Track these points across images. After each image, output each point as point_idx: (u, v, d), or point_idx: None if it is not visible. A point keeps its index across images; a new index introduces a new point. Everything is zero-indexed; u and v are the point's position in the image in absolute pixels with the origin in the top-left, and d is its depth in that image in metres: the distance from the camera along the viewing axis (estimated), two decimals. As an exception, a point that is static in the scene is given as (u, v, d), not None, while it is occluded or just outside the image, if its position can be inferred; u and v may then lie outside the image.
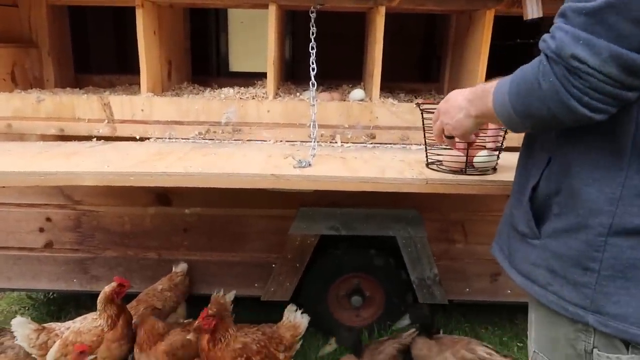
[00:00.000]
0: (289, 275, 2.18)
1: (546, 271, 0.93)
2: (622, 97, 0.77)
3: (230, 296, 2.04)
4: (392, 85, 2.49)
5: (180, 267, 2.20)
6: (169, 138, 1.89)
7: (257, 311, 2.40)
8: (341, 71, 2.60)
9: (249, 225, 2.18)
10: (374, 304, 2.29)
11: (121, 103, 1.87)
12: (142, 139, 1.89)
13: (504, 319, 2.46)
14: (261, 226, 2.19)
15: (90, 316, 1.82)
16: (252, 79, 2.27)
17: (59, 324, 1.86)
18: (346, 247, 2.21)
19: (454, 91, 1.08)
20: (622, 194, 0.83)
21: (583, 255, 0.87)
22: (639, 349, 0.85)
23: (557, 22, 0.79)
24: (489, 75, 1.76)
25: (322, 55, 2.57)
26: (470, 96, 1.01)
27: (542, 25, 2.27)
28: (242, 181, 1.40)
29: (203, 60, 3.64)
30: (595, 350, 0.88)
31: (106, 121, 1.89)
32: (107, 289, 1.78)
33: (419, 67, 3.02)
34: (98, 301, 1.78)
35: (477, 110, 1.00)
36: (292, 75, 3.90)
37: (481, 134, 1.41)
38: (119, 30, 2.96)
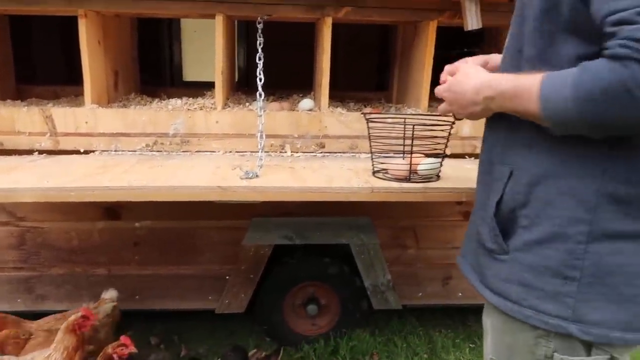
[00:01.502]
0: (243, 287, 2.16)
1: (519, 286, 0.93)
2: None
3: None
4: (343, 94, 2.52)
5: (109, 294, 2.01)
6: (115, 150, 1.85)
7: (212, 324, 2.37)
8: (295, 79, 2.62)
9: (202, 237, 2.15)
10: (330, 312, 2.30)
11: (64, 115, 1.82)
12: (86, 152, 1.85)
13: (457, 321, 2.52)
14: (214, 238, 2.16)
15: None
16: (205, 88, 2.25)
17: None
18: (300, 256, 2.22)
19: (462, 75, 1.00)
20: (598, 201, 0.85)
21: (563, 265, 0.87)
22: (603, 350, 0.87)
23: (625, 28, 0.73)
24: (434, 84, 1.81)
25: (275, 64, 2.57)
26: (492, 93, 0.93)
27: (485, 35, 2.36)
28: (188, 194, 1.38)
29: (156, 69, 3.59)
30: (555, 354, 0.90)
31: (48, 134, 1.83)
32: (71, 318, 1.67)
33: (373, 75, 3.07)
34: (60, 330, 1.66)
35: (503, 108, 0.93)
36: (247, 83, 3.89)
37: (425, 142, 1.44)
38: (65, 39, 2.88)
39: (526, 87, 0.86)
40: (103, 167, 1.60)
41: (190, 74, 4.29)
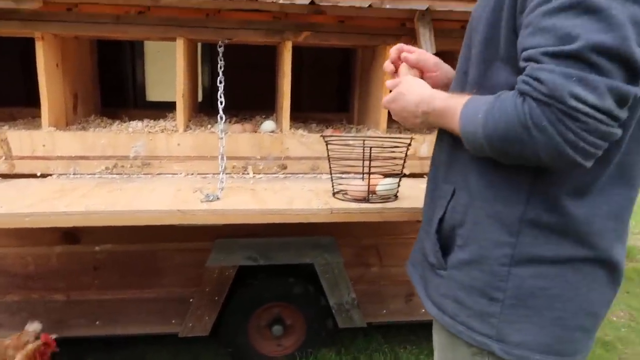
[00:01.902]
0: (207, 309, 2.14)
1: (453, 302, 0.97)
2: (614, 135, 0.75)
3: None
4: (306, 115, 2.55)
5: (33, 327, 1.81)
6: (73, 174, 1.82)
7: (175, 347, 2.33)
8: (258, 100, 2.64)
9: (164, 259, 2.13)
10: (295, 332, 2.30)
11: (20, 138, 1.79)
12: (43, 176, 1.81)
13: (421, 337, 2.55)
14: (177, 260, 2.14)
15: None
16: (169, 108, 2.24)
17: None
18: (265, 277, 2.22)
19: (406, 87, 1.03)
20: (522, 226, 0.88)
21: (488, 286, 0.91)
22: None
23: (531, 65, 0.76)
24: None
25: (239, 84, 2.59)
26: (427, 109, 0.97)
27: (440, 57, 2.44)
28: (147, 218, 1.37)
29: (118, 89, 3.55)
30: None
31: (3, 158, 1.79)
32: (30, 346, 1.61)
33: (335, 97, 3.12)
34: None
35: (438, 124, 0.99)
36: (212, 102, 3.89)
37: (383, 163, 1.48)
38: (24, 61, 2.83)
39: (452, 108, 0.91)
40: (60, 191, 1.58)
41: (154, 94, 4.26)
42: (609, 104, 0.71)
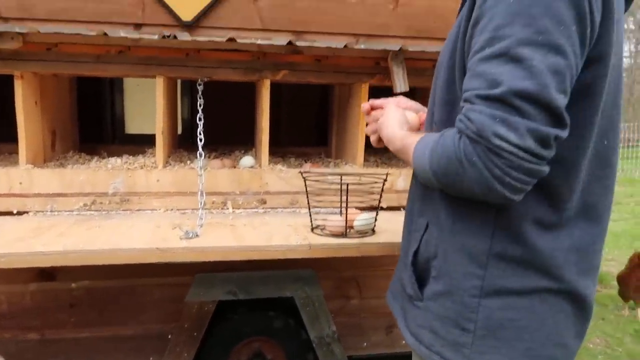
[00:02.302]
0: (186, 345, 2.11)
1: (429, 332, 1.00)
2: (540, 172, 0.82)
3: None
4: (284, 149, 2.59)
5: None
6: (51, 211, 1.81)
7: (153, 386, 2.28)
8: (239, 134, 2.67)
9: (143, 295, 2.11)
10: (276, 367, 2.28)
11: (-4, 176, 1.78)
12: (20, 213, 1.80)
13: (402, 369, 2.55)
14: (156, 295, 2.12)
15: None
16: (148, 142, 2.24)
17: None
18: (245, 311, 2.20)
19: (384, 120, 1.13)
20: (489, 258, 0.92)
21: (460, 316, 0.94)
22: None
23: (466, 106, 0.84)
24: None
25: (219, 119, 2.62)
26: (392, 147, 1.08)
27: (416, 92, 2.52)
28: (125, 257, 1.37)
29: (97, 122, 3.54)
30: None
31: (-21, 196, 1.77)
32: None
33: (314, 131, 3.17)
34: None
35: (403, 159, 1.08)
36: (192, 135, 3.90)
37: (360, 197, 1.52)
38: (2, 97, 2.82)
39: (408, 146, 1.01)
40: (37, 229, 1.57)
41: (133, 126, 4.26)
42: (530, 143, 0.78)
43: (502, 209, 0.91)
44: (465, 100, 0.85)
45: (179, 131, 3.13)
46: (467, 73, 0.87)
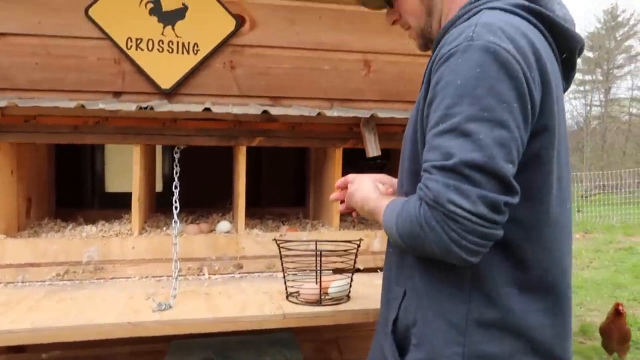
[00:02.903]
0: (161, 417, 2.04)
1: None
2: (494, 235, 0.87)
3: None
4: (263, 210, 2.61)
5: None
6: (22, 282, 1.78)
7: None
8: (219, 195, 2.69)
9: (116, 365, 2.05)
10: None
11: (-32, 247, 1.75)
12: (-10, 285, 1.76)
13: None
14: (130, 365, 2.06)
15: None
16: (128, 200, 2.23)
17: None
18: (222, 379, 2.14)
19: (356, 186, 1.22)
20: (468, 324, 0.95)
21: None
22: None
23: (425, 175, 0.91)
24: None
25: (199, 179, 2.64)
26: (367, 209, 1.16)
27: (390, 152, 2.58)
28: (96, 332, 1.35)
29: (77, 181, 3.53)
30: None
31: (-52, 268, 1.74)
32: None
33: (292, 191, 3.20)
34: None
35: (370, 216, 1.17)
36: (172, 193, 3.90)
37: (334, 261, 1.53)
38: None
39: (379, 209, 1.08)
40: (6, 304, 1.54)
41: (113, 185, 4.25)
42: (482, 209, 0.84)
43: (476, 272, 0.95)
44: (424, 171, 0.92)
45: (160, 189, 3.14)
46: (425, 146, 0.95)
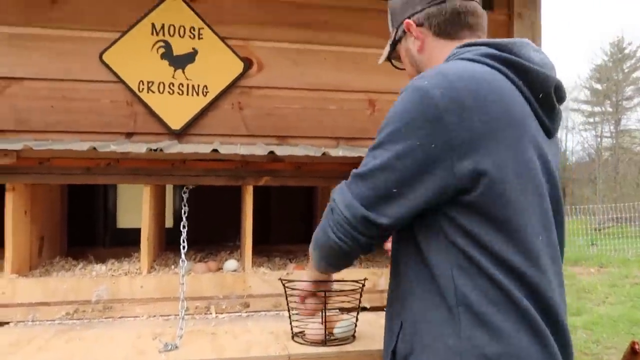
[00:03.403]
0: None
1: None
2: (355, 237, 1.04)
3: None
4: (271, 247, 2.63)
5: None
6: (32, 321, 1.80)
7: None
8: (228, 232, 2.71)
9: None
10: None
11: (-20, 287, 1.79)
12: (1, 324, 1.79)
13: None
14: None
15: None
16: (138, 235, 2.26)
17: None
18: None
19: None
20: (462, 344, 0.97)
21: None
22: None
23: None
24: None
25: (208, 216, 2.66)
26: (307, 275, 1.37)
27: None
28: (103, 373, 1.36)
29: (88, 219, 3.59)
30: None
31: (-40, 307, 1.77)
32: None
33: (301, 227, 3.21)
34: None
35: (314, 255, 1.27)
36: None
37: (340, 300, 1.54)
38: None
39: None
40: (16, 344, 1.56)
41: (124, 220, 4.31)
42: (347, 213, 1.05)
43: (464, 299, 0.98)
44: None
45: (170, 224, 3.17)
46: None
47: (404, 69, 1.33)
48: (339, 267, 1.24)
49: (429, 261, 1.03)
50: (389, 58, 1.34)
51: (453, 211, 1.00)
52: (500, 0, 2.68)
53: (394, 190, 1.00)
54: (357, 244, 1.05)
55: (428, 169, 0.98)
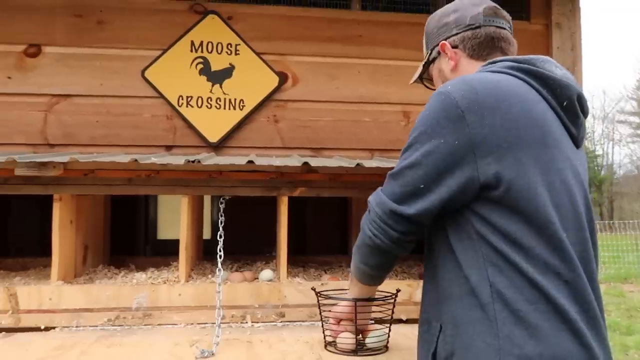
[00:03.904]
0: None
1: None
2: (386, 231, 1.10)
3: None
4: (307, 258, 2.64)
5: None
6: (76, 326, 1.87)
7: None
8: (264, 242, 2.75)
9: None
10: None
11: (28, 293, 1.87)
12: (47, 329, 1.86)
13: None
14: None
15: None
16: (178, 247, 2.32)
17: None
18: None
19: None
20: (500, 343, 0.97)
21: None
22: None
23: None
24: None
25: (245, 227, 2.70)
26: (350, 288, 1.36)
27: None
28: (141, 378, 1.40)
29: (129, 230, 3.71)
30: None
31: (10, 312, 1.86)
32: None
33: (338, 238, 3.22)
34: None
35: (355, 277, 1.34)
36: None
37: (373, 311, 1.53)
38: (44, 212, 3.02)
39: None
40: (60, 348, 1.62)
41: (164, 232, 4.43)
42: (378, 210, 1.13)
43: (499, 296, 0.99)
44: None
45: (208, 236, 3.23)
46: None
47: (435, 89, 1.36)
48: (379, 270, 1.26)
49: (463, 261, 1.04)
50: (420, 78, 1.41)
51: (482, 208, 1.02)
52: (537, 10, 2.65)
53: (421, 186, 1.05)
54: (390, 239, 1.10)
55: (452, 165, 1.03)
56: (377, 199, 1.12)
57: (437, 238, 1.13)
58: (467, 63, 1.25)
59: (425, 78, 1.41)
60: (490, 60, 1.19)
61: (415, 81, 1.45)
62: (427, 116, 1.08)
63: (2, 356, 1.54)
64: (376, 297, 1.51)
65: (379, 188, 1.16)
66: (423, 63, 1.36)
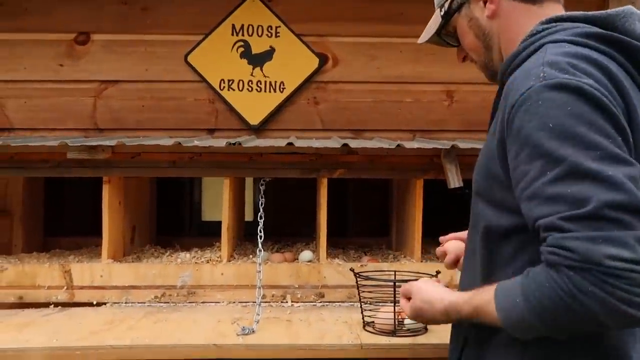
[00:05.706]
0: None
1: None
2: None
3: None
4: (347, 240, 2.64)
5: None
6: (125, 302, 1.95)
7: None
8: (305, 224, 2.77)
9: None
10: None
11: (81, 270, 1.97)
12: (98, 304, 1.96)
13: None
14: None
15: None
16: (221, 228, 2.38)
17: None
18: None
19: (423, 302, 1.07)
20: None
21: None
22: None
23: (553, 234, 0.78)
24: (430, 234, 1.93)
25: (286, 209, 2.73)
26: (458, 316, 0.98)
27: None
28: (185, 352, 1.47)
29: (175, 212, 3.82)
30: None
31: (65, 287, 1.96)
32: None
33: (377, 219, 3.20)
34: None
35: (468, 319, 0.98)
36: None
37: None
38: (95, 194, 3.15)
39: (483, 306, 0.90)
40: (110, 322, 1.70)
41: (209, 213, 4.54)
42: None
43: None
44: (546, 229, 0.79)
45: (250, 217, 3.29)
46: (529, 202, 0.83)
47: (455, 45, 1.18)
48: (566, 333, 0.86)
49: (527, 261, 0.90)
50: (437, 33, 1.17)
51: None
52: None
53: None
54: None
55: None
56: (631, 242, 0.74)
57: (499, 240, 0.97)
58: (512, 6, 1.02)
59: (444, 34, 1.18)
60: (552, 17, 0.96)
61: (429, 40, 1.22)
62: (576, 115, 0.81)
63: (60, 328, 1.63)
64: (415, 278, 1.50)
65: (578, 235, 0.76)
66: (442, 13, 1.13)
